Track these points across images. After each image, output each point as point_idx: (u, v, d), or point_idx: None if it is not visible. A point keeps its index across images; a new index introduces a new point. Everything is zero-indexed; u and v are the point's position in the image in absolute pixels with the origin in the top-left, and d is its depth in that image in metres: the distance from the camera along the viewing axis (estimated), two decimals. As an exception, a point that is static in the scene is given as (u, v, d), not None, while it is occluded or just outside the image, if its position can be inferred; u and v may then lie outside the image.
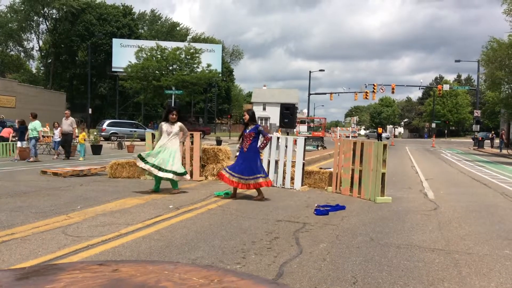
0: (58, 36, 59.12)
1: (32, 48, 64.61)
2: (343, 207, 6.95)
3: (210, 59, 45.66)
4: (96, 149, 17.89)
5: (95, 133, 22.64)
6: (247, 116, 7.65)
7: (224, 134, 54.02)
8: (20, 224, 5.32)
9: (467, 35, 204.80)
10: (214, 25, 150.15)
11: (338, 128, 46.54)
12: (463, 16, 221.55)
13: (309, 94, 50.85)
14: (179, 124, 7.91)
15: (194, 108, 59.35)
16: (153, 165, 7.67)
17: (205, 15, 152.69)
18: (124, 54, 48.24)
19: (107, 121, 32.88)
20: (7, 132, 17.62)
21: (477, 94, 43.17)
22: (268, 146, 9.50)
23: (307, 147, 16.07)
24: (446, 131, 74.15)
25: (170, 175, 7.73)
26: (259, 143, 7.60)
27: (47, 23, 59.98)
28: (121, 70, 45.89)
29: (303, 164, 9.09)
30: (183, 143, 7.80)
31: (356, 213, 6.66)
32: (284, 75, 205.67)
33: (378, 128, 45.59)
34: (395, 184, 10.06)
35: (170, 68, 42.24)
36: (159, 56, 41.90)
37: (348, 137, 33.82)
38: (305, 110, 73.48)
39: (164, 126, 7.90)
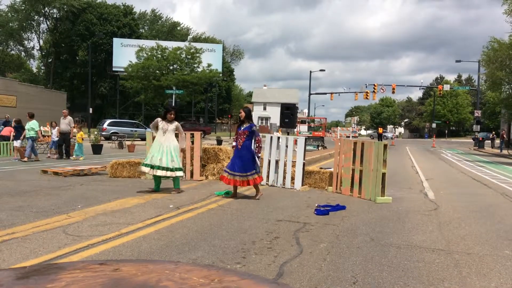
0: (58, 35, 59.17)
1: (33, 48, 64.79)
2: (343, 207, 6.95)
3: (210, 59, 45.68)
4: (97, 149, 17.90)
5: (95, 132, 22.64)
6: (243, 114, 7.67)
7: (224, 134, 54.04)
8: (21, 223, 5.33)
9: (467, 35, 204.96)
10: (214, 25, 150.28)
11: (339, 128, 46.55)
12: (464, 16, 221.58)
13: (310, 94, 50.85)
14: (175, 123, 8.00)
15: (195, 107, 59.34)
16: (153, 167, 7.72)
17: (206, 15, 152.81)
18: (125, 54, 48.27)
19: (108, 121, 32.91)
20: (8, 130, 17.61)
21: (477, 94, 43.16)
22: (268, 146, 9.52)
23: (308, 147, 16.07)
24: (446, 131, 74.12)
25: (170, 173, 7.76)
26: (253, 147, 7.63)
27: (48, 23, 60.06)
28: (122, 69, 45.93)
29: (304, 164, 9.09)
30: (185, 141, 7.92)
31: (356, 213, 6.66)
32: (285, 75, 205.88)
33: (379, 128, 45.57)
34: (396, 184, 10.05)
35: (171, 67, 42.27)
36: (159, 55, 41.92)
37: (349, 137, 33.81)
38: (306, 110, 73.46)
39: (160, 123, 7.97)
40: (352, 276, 3.74)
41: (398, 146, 34.72)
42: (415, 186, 10.30)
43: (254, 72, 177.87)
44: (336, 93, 50.75)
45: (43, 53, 62.69)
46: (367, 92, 44.74)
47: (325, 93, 51.10)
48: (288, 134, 12.78)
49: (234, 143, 7.79)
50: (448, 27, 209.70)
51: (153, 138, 8.46)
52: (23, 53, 64.20)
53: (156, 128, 8.02)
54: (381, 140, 29.30)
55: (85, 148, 18.79)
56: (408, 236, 5.31)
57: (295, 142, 9.38)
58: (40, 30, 61.08)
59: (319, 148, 24.53)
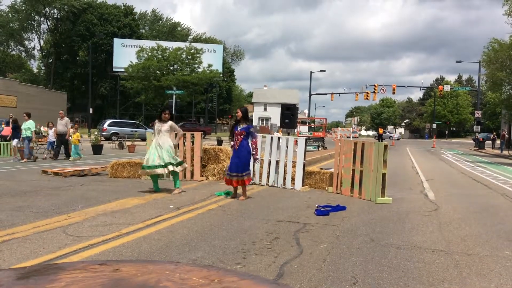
0: (59, 36, 59.20)
1: (33, 48, 64.84)
2: (343, 208, 6.95)
3: (211, 59, 45.70)
4: (97, 149, 17.90)
5: (96, 133, 22.64)
6: (240, 113, 7.67)
7: (225, 134, 54.00)
8: (21, 223, 5.33)
9: (468, 36, 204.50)
10: (215, 25, 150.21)
11: (339, 128, 46.53)
12: (464, 17, 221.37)
13: (310, 95, 50.87)
14: (169, 123, 8.11)
15: (195, 108, 59.36)
16: (150, 166, 7.86)
17: (207, 16, 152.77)
18: (125, 54, 48.27)
19: (108, 121, 32.92)
20: (8, 130, 17.61)
21: (478, 95, 43.14)
22: (269, 146, 9.52)
23: (308, 148, 16.06)
24: (447, 132, 74.11)
25: (170, 168, 7.86)
26: (250, 149, 7.62)
27: (48, 23, 60.09)
28: (122, 70, 45.95)
29: (304, 165, 9.09)
30: (178, 139, 8.05)
31: (356, 214, 6.66)
32: (285, 76, 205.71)
33: (379, 129, 45.57)
34: (396, 185, 10.05)
35: (171, 68, 42.27)
36: (160, 56, 41.93)
37: (349, 137, 33.81)
38: (306, 111, 73.44)
39: (156, 124, 8.17)
40: (352, 277, 3.74)
41: (398, 147, 34.72)
42: (416, 186, 10.29)
43: (255, 72, 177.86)
44: (336, 93, 50.84)
45: (43, 54, 62.73)
46: (367, 92, 44.74)
47: (326, 94, 51.16)
48: (288, 135, 12.78)
49: (232, 143, 7.81)
50: (449, 27, 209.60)
51: None
52: (23, 53, 64.30)
53: (154, 130, 8.23)
54: (381, 141, 29.28)
55: (86, 148, 18.84)
56: (408, 236, 5.31)
57: (296, 142, 9.38)
58: (41, 30, 61.20)
59: (320, 148, 24.53)
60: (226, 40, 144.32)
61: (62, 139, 14.91)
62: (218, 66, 47.79)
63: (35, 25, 60.08)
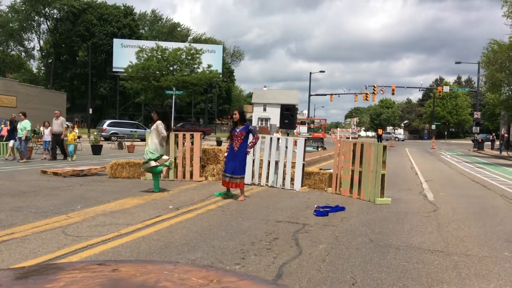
0: (59, 36, 59.16)
1: (33, 48, 64.77)
2: (342, 208, 6.95)
3: (210, 60, 45.68)
4: (96, 149, 17.89)
5: (95, 133, 22.63)
6: (237, 116, 7.68)
7: (224, 134, 53.88)
8: (20, 223, 5.33)
9: (467, 37, 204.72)
10: (215, 26, 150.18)
11: (338, 129, 46.53)
12: (464, 18, 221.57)
13: (310, 95, 50.90)
14: (157, 122, 8.33)
15: (195, 108, 59.33)
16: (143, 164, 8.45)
17: (206, 16, 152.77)
18: (125, 55, 48.26)
19: (108, 121, 32.88)
20: (7, 130, 17.57)
21: (477, 96, 43.18)
22: (268, 146, 9.52)
23: (307, 148, 16.05)
24: (446, 132, 74.12)
25: (152, 163, 8.15)
26: (248, 142, 7.65)
27: (48, 23, 60.05)
28: (122, 70, 45.90)
29: (303, 165, 9.09)
30: (160, 139, 8.26)
31: (355, 214, 6.66)
32: (285, 76, 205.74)
33: (378, 130, 45.59)
34: (395, 186, 10.06)
35: (171, 68, 42.25)
36: (159, 56, 41.91)
37: (348, 138, 33.83)
38: (305, 111, 73.53)
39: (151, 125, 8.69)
40: (351, 277, 3.74)
41: (398, 148, 34.73)
42: (415, 187, 10.30)
43: (254, 73, 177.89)
44: (336, 94, 50.89)
45: (43, 54, 62.68)
46: (367, 93, 44.78)
47: (325, 94, 51.22)
48: (287, 135, 12.78)
49: (227, 144, 7.83)
50: (448, 28, 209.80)
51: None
52: (23, 53, 64.22)
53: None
54: (381, 142, 29.29)
55: (85, 148, 18.85)
56: (407, 237, 5.31)
57: (295, 143, 9.38)
58: (40, 30, 61.12)
59: (319, 149, 24.54)
60: (225, 40, 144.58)
61: (57, 139, 14.75)
62: (217, 67, 47.77)
63: (35, 25, 60.04)
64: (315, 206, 6.95)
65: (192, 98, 46.74)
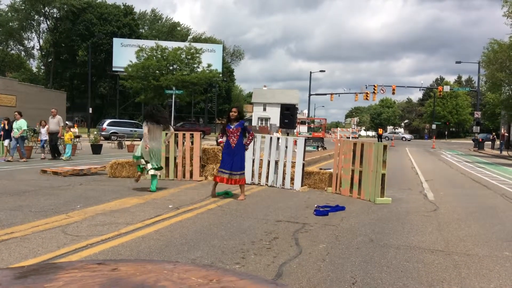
0: (58, 35, 59.16)
1: (33, 47, 64.75)
2: (342, 208, 6.95)
3: (210, 59, 45.68)
4: (96, 149, 17.90)
5: (95, 132, 22.63)
6: (236, 113, 7.64)
7: (224, 134, 53.87)
8: (20, 223, 5.32)
9: (468, 37, 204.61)
10: (215, 25, 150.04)
11: (338, 128, 46.52)
12: (464, 17, 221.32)
13: (310, 95, 50.91)
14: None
15: (195, 108, 59.35)
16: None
17: (206, 15, 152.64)
18: (125, 54, 48.27)
19: (107, 121, 32.89)
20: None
21: (477, 96, 43.18)
22: (268, 146, 9.52)
23: (307, 148, 16.05)
24: (446, 132, 74.13)
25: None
26: (245, 140, 7.67)
27: (48, 22, 60.05)
28: (122, 69, 45.93)
29: (303, 165, 9.09)
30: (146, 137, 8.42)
31: (355, 214, 6.66)
32: (285, 76, 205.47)
33: (379, 129, 45.58)
34: (395, 185, 10.05)
35: (171, 68, 42.26)
36: (159, 56, 41.92)
37: (349, 138, 33.83)
38: (306, 111, 73.53)
39: None
40: (351, 277, 3.74)
41: (398, 147, 34.74)
42: (415, 187, 10.30)
43: (254, 72, 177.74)
44: (336, 94, 50.86)
45: (43, 53, 62.69)
46: (367, 93, 44.76)
47: (325, 94, 51.21)
48: (288, 135, 12.78)
49: (221, 139, 7.81)
50: (449, 28, 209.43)
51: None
52: (23, 52, 64.21)
53: None
54: (381, 141, 29.32)
55: (85, 148, 18.85)
56: (407, 237, 5.31)
57: (295, 142, 9.38)
58: (40, 29, 61.14)
59: (319, 148, 24.53)
60: (225, 40, 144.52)
61: (54, 138, 14.60)
62: (217, 66, 47.78)
63: (35, 24, 60.06)
64: (315, 205, 6.95)
65: (192, 98, 46.76)
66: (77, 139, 18.24)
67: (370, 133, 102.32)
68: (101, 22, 57.08)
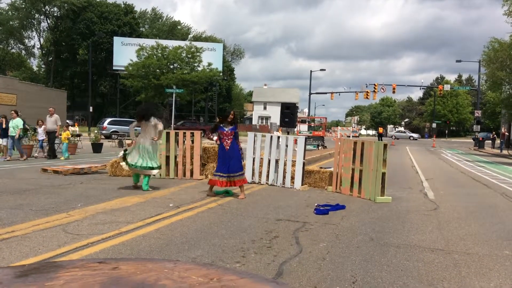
0: (59, 34, 59.13)
1: (33, 46, 64.82)
2: (343, 207, 6.95)
3: (211, 58, 45.69)
4: (97, 147, 17.90)
5: (95, 131, 22.63)
6: (233, 117, 7.78)
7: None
8: (21, 221, 5.33)
9: (468, 36, 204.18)
10: (215, 24, 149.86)
11: (339, 127, 46.51)
12: (465, 16, 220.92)
13: (310, 94, 50.85)
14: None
15: (195, 107, 59.35)
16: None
17: (207, 14, 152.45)
18: (125, 53, 48.27)
19: (108, 119, 32.89)
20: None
21: (478, 95, 43.11)
22: (268, 145, 9.52)
23: (308, 147, 16.06)
24: (446, 131, 74.08)
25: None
26: (237, 142, 7.75)
27: (48, 21, 60.01)
28: (122, 68, 45.95)
29: (303, 164, 9.09)
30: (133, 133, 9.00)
31: (356, 213, 6.66)
32: (285, 75, 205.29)
33: (379, 128, 45.54)
34: (395, 184, 10.05)
35: (171, 66, 42.27)
36: (160, 54, 41.91)
37: (349, 136, 33.82)
38: (306, 110, 73.38)
39: None
40: (352, 276, 3.74)
41: (398, 146, 34.72)
42: (415, 186, 10.30)
43: (255, 71, 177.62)
44: (336, 92, 50.74)
45: (43, 52, 62.67)
46: (367, 91, 44.70)
47: (326, 93, 51.11)
48: (288, 134, 12.78)
49: (215, 138, 7.83)
50: (449, 27, 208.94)
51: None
52: (23, 51, 64.20)
53: None
54: (381, 140, 29.29)
55: (86, 146, 18.85)
56: (407, 235, 5.31)
57: (295, 141, 9.38)
58: (41, 28, 61.10)
59: (319, 147, 24.52)
60: (226, 38, 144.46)
61: (51, 137, 14.48)
62: (218, 65, 47.79)
63: (35, 23, 60.03)
64: (315, 204, 6.95)
65: (192, 97, 46.77)
66: (78, 137, 18.22)
67: (371, 132, 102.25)
68: (101, 20, 57.05)
